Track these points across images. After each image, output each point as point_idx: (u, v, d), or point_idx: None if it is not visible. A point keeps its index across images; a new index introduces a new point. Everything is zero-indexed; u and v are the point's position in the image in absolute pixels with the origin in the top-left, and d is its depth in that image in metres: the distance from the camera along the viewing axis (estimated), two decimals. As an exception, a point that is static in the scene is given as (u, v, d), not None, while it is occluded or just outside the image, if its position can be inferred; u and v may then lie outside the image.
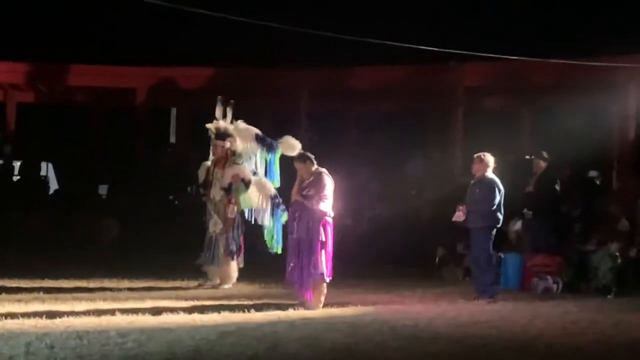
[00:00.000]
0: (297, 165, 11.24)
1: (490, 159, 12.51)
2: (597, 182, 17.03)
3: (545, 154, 16.30)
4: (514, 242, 14.72)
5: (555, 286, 13.52)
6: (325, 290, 11.07)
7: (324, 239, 10.97)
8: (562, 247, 14.43)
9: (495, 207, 12.26)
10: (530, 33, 19.63)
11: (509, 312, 11.27)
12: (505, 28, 20.29)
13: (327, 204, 11.05)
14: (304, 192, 11.01)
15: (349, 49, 18.30)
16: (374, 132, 21.03)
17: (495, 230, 12.38)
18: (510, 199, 16.73)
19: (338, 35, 15.57)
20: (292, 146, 11.68)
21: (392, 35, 16.28)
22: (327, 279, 11.06)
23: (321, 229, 10.96)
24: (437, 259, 15.81)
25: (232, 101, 13.16)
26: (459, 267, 15.09)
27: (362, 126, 21.64)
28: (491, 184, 12.36)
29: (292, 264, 11.08)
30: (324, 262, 10.96)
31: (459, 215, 12.34)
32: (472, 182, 12.59)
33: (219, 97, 13.22)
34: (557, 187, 16.06)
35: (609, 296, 12.84)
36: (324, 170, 11.20)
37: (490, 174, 12.50)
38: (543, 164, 16.78)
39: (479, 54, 16.63)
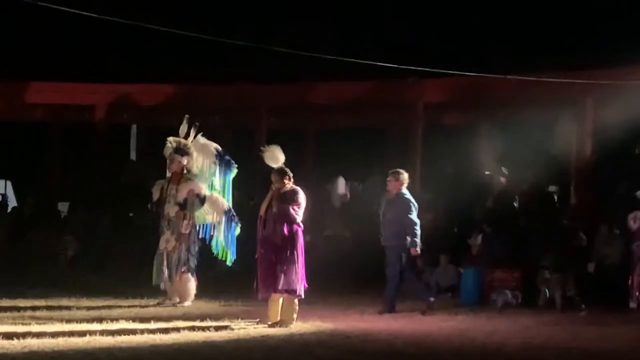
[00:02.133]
0: (275, 177, 11.12)
1: (405, 176, 12.67)
2: (555, 197, 17.19)
3: (504, 170, 16.48)
4: (474, 257, 14.79)
5: (514, 301, 13.61)
6: (297, 308, 10.98)
7: (301, 252, 10.94)
8: (521, 261, 14.53)
9: (413, 224, 12.39)
10: (489, 49, 19.78)
11: (468, 327, 11.33)
12: (465, 44, 20.43)
13: (300, 219, 11.03)
14: (281, 204, 10.94)
15: (309, 65, 18.34)
16: (333, 148, 21.08)
17: (409, 248, 12.48)
18: (470, 214, 16.98)
19: (298, 51, 15.60)
20: (275, 158, 11.62)
21: (353, 51, 16.36)
22: (301, 295, 10.97)
23: (297, 241, 10.93)
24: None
25: (196, 123, 13.14)
26: (419, 282, 15.11)
27: (321, 142, 21.67)
28: (407, 202, 12.50)
29: (262, 280, 10.96)
30: (297, 277, 10.90)
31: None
32: (386, 199, 12.65)
33: (186, 115, 13.19)
34: (516, 203, 16.24)
35: (581, 313, 12.85)
36: (298, 187, 11.17)
37: (405, 191, 12.62)
38: (502, 180, 16.96)
39: (438, 70, 16.74)
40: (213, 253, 13.33)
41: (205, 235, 13.03)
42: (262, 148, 11.60)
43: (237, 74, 20.26)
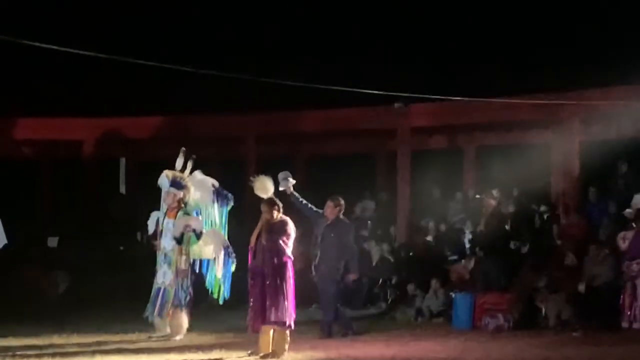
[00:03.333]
0: (264, 208, 11.09)
1: (342, 202, 12.98)
2: (545, 218, 17.21)
3: (494, 193, 16.51)
4: (464, 281, 14.79)
5: (506, 324, 13.59)
6: (288, 339, 10.94)
7: (290, 282, 10.93)
8: (513, 283, 14.54)
9: (353, 248, 12.83)
10: (474, 71, 19.85)
11: (461, 352, 11.32)
12: (450, 68, 20.52)
13: (289, 249, 11.04)
14: (272, 236, 10.95)
15: (295, 93, 18.40)
16: (322, 175, 21.10)
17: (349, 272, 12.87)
18: (460, 237, 17.01)
19: (284, 81, 15.68)
20: (265, 188, 11.62)
21: (338, 78, 16.42)
22: (292, 326, 10.95)
23: (286, 272, 10.92)
24: (388, 300, 15.88)
25: (193, 156, 13.12)
26: (411, 308, 15.14)
27: (310, 169, 21.70)
28: (348, 226, 12.95)
29: (252, 311, 10.96)
30: (287, 308, 10.88)
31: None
32: (326, 224, 12.83)
33: (182, 148, 13.14)
34: (507, 226, 16.26)
35: (575, 334, 12.85)
36: (287, 218, 11.19)
37: (342, 216, 12.96)
38: (493, 203, 16.98)
39: (423, 95, 16.82)
40: (205, 286, 13.25)
41: (203, 270, 12.93)
42: (251, 178, 11.63)
43: (225, 104, 20.32)
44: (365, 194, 20.04)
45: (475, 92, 17.29)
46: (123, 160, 23.79)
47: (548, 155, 18.45)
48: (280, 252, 10.92)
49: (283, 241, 10.95)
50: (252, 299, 10.98)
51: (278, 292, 10.81)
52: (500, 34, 20.54)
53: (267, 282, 10.84)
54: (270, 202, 11.17)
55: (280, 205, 11.20)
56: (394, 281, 16.24)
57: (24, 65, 20.84)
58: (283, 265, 10.91)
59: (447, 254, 16.61)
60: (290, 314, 10.88)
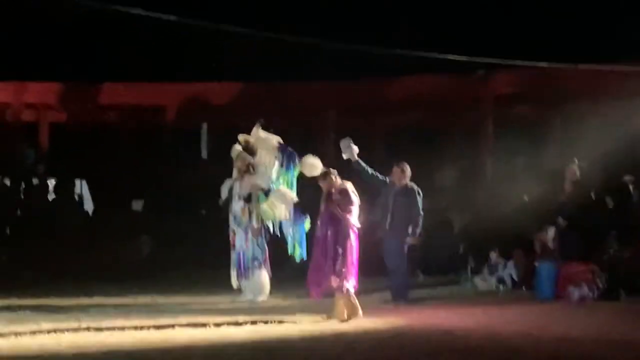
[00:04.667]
0: (321, 182, 11.24)
1: (409, 168, 13.01)
2: (631, 187, 16.88)
3: (577, 162, 16.23)
4: (541, 252, 14.59)
5: (590, 294, 13.40)
6: (351, 303, 11.01)
7: (350, 250, 10.97)
8: (597, 254, 14.32)
9: (419, 214, 12.82)
10: (560, 39, 19.48)
11: (544, 321, 11.19)
12: (535, 35, 20.16)
13: (353, 217, 11.07)
14: (335, 204, 11.00)
15: (377, 61, 18.31)
16: (403, 145, 20.99)
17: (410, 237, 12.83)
18: (543, 207, 16.77)
19: (365, 49, 15.61)
20: (312, 166, 11.67)
21: (421, 46, 16.29)
22: (352, 291, 11.02)
23: (347, 240, 10.96)
24: (469, 268, 15.79)
25: (261, 120, 13.15)
26: (492, 276, 15.04)
27: (391, 139, 21.62)
28: (415, 193, 12.86)
29: (313, 277, 11.07)
30: (348, 274, 10.95)
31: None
32: (395, 190, 12.79)
33: (260, 119, 13.19)
34: (592, 195, 15.98)
35: None
36: (349, 184, 11.22)
37: (410, 182, 12.97)
38: (576, 172, 16.70)
39: (507, 62, 16.59)
40: (285, 248, 13.30)
41: (276, 230, 12.97)
42: (297, 162, 11.81)
43: (307, 71, 20.31)
44: (447, 164, 19.91)
45: (562, 59, 16.99)
46: (205, 126, 24.01)
47: (635, 123, 18.07)
48: (341, 219, 10.96)
49: (343, 209, 10.98)
50: (311, 265, 11.15)
51: (337, 259, 10.88)
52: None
53: (329, 250, 10.93)
54: (324, 174, 11.28)
55: (335, 172, 11.25)
56: (475, 250, 16.11)
57: (109, 31, 21.09)
58: (342, 233, 10.95)
59: (530, 224, 16.40)
60: (348, 281, 10.93)
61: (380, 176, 12.94)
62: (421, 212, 12.91)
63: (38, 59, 21.29)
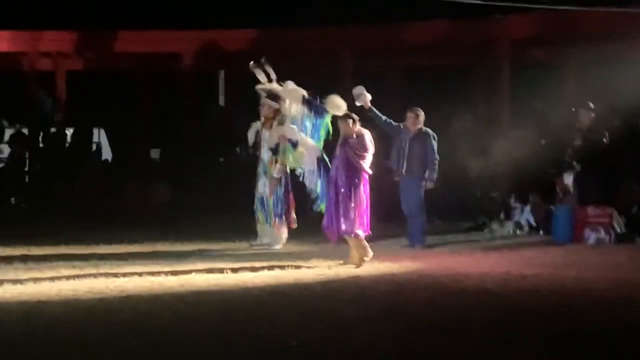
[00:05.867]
0: (342, 124, 11.28)
1: (423, 114, 13.12)
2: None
3: (590, 105, 16.11)
4: (563, 195, 14.59)
5: (607, 237, 13.42)
6: (361, 246, 11.10)
7: (361, 196, 11.02)
8: (613, 198, 14.30)
9: (435, 159, 12.97)
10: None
11: (560, 264, 11.23)
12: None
13: (367, 163, 11.11)
14: (351, 149, 11.03)
15: (392, 5, 18.19)
16: (419, 89, 20.90)
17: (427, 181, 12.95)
18: (560, 152, 16.71)
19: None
20: (337, 106, 11.65)
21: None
22: (363, 235, 11.11)
23: (359, 184, 11.02)
24: (487, 214, 15.80)
25: (262, 61, 13.00)
26: (509, 221, 15.06)
27: (407, 83, 21.53)
28: (431, 137, 12.98)
29: (329, 220, 11.18)
30: (359, 218, 11.02)
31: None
32: (410, 135, 12.89)
33: (250, 63, 13.09)
34: (605, 139, 15.90)
35: None
36: (366, 131, 11.24)
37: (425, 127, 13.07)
38: (590, 116, 16.59)
39: (524, 5, 16.44)
40: (303, 195, 13.29)
41: (304, 180, 12.96)
42: (323, 98, 11.66)
43: (321, 17, 20.20)
44: (463, 108, 19.80)
45: (579, 2, 16.80)
46: (222, 73, 23.98)
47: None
48: (354, 164, 11.04)
49: (357, 154, 11.03)
50: (327, 209, 11.25)
51: (348, 203, 10.99)
52: None
53: (340, 193, 11.03)
54: (346, 117, 11.29)
55: (357, 118, 11.28)
56: (492, 195, 16.12)
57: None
58: (356, 177, 11.04)
59: (547, 168, 16.36)
60: (360, 225, 11.03)
61: (393, 122, 12.98)
62: (437, 156, 13.00)
63: (51, 7, 21.25)
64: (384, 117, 12.83)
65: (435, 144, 12.99)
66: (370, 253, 11.10)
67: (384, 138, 12.84)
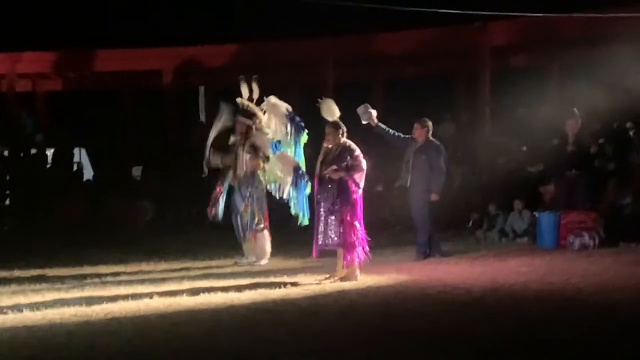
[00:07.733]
0: (329, 130, 11.12)
1: (430, 124, 12.97)
2: (631, 134, 16.84)
3: (576, 112, 16.16)
4: (548, 201, 14.61)
5: (592, 242, 13.41)
6: (355, 272, 11.01)
7: (354, 210, 10.95)
8: (597, 202, 14.31)
9: (442, 170, 12.76)
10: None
11: (545, 271, 11.22)
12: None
13: (359, 177, 11.03)
14: (338, 164, 10.95)
15: (372, 15, 18.15)
16: (401, 98, 20.94)
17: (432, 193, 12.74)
18: (544, 158, 16.74)
19: (361, 3, 15.51)
20: (332, 111, 11.54)
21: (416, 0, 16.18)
22: (356, 262, 11.01)
23: (348, 198, 10.92)
24: (470, 222, 15.80)
25: (255, 76, 13.05)
26: (494, 229, 15.06)
27: (389, 93, 21.56)
28: (438, 148, 12.80)
29: (320, 236, 11.07)
30: (354, 233, 10.94)
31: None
32: (416, 146, 12.77)
33: (240, 76, 13.09)
34: (592, 144, 15.93)
35: None
36: (352, 143, 11.15)
37: (432, 138, 12.90)
38: (577, 122, 16.63)
39: (502, 13, 16.50)
40: (288, 210, 13.25)
41: (279, 194, 12.88)
42: (319, 100, 11.57)
43: (301, 28, 20.21)
44: (445, 116, 19.84)
45: (556, 8, 16.88)
46: (202, 89, 23.96)
47: (635, 71, 17.99)
48: (342, 180, 10.91)
49: (355, 175, 10.93)
50: (315, 225, 11.12)
51: (336, 218, 10.91)
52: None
53: (327, 209, 10.95)
54: (335, 125, 11.13)
55: (345, 129, 11.16)
56: (476, 203, 16.12)
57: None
58: (345, 192, 10.92)
59: (530, 174, 16.39)
60: (359, 237, 10.93)
61: (402, 135, 12.86)
62: (443, 168, 12.81)
63: (30, 29, 21.21)
64: (392, 131, 12.73)
65: (441, 155, 12.79)
66: (358, 277, 11.00)
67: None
